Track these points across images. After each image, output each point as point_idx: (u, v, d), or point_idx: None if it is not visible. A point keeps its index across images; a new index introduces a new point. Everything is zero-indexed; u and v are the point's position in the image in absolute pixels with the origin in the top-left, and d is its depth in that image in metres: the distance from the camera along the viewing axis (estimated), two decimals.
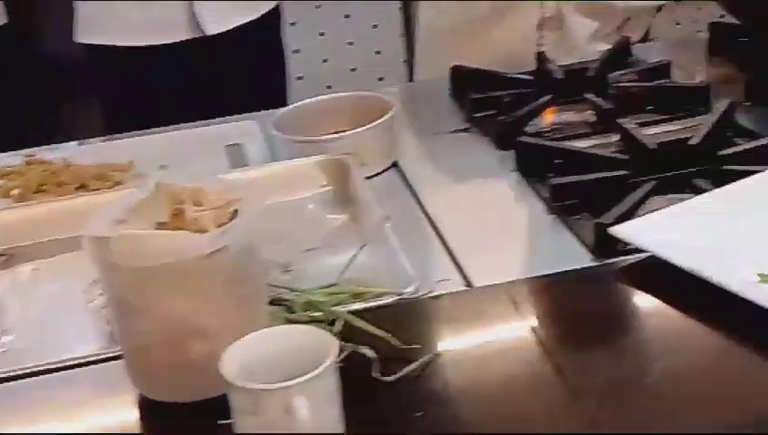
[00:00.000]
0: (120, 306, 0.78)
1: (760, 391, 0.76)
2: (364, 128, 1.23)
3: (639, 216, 1.00)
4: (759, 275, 0.82)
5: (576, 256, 0.98)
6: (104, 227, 0.76)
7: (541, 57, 1.44)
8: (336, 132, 1.25)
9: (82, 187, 1.26)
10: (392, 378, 0.79)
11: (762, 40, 1.39)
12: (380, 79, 2.90)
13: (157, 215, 0.79)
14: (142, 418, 0.81)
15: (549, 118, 1.33)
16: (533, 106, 1.31)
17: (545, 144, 1.21)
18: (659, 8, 1.75)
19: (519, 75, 1.43)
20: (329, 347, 0.71)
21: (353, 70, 3.00)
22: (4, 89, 2.03)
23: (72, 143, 1.38)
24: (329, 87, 2.69)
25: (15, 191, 1.25)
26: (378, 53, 2.98)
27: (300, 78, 2.88)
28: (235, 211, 0.78)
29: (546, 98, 1.33)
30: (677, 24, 2.83)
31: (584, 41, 1.67)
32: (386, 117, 1.24)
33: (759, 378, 0.77)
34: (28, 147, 1.36)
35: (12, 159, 1.33)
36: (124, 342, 0.80)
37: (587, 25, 1.67)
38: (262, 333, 0.73)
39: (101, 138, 1.41)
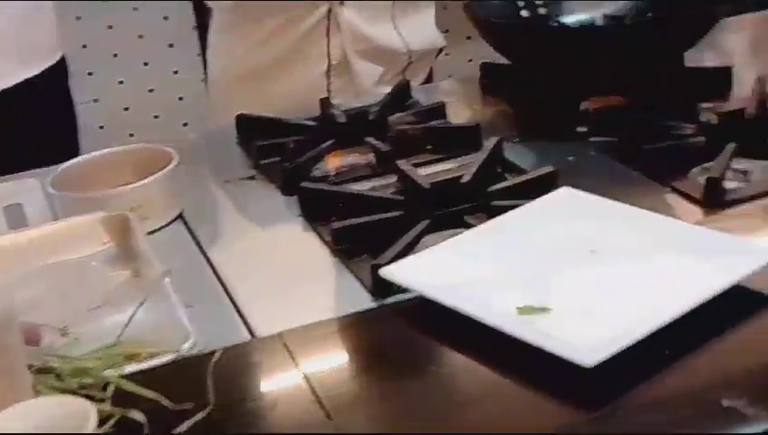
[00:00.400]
0: None
1: (522, 420, 0.80)
2: (145, 181, 1.21)
3: (415, 254, 1.03)
4: (517, 308, 0.87)
5: (358, 299, 1.01)
6: None
7: (324, 103, 1.47)
8: (120, 186, 1.24)
9: None
10: None
11: (528, 78, 1.48)
12: (185, 124, 2.88)
13: None
14: None
15: (333, 162, 1.35)
16: (316, 151, 1.34)
17: (326, 188, 1.23)
18: (440, 51, 1.83)
19: (303, 121, 1.45)
20: (87, 416, 0.69)
21: (156, 117, 2.96)
22: None
23: None
24: (131, 135, 2.65)
25: None
26: (180, 98, 2.96)
27: (101, 127, 2.83)
28: None
29: (329, 143, 1.36)
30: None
31: (371, 86, 1.72)
32: (167, 169, 1.23)
33: (520, 407, 0.81)
34: None
35: None
36: None
37: (372, 70, 1.72)
38: (17, 407, 0.71)
39: None
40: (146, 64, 2.91)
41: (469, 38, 1.79)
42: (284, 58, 1.69)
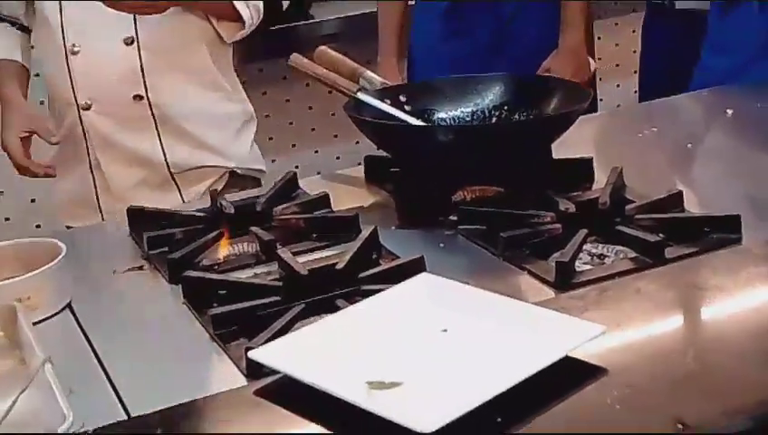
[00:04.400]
0: None
1: None
2: (33, 273, 1.27)
3: (283, 337, 1.10)
4: (368, 382, 0.95)
5: (233, 379, 1.07)
6: None
7: (213, 194, 1.55)
8: (5, 278, 1.28)
9: None
10: None
11: (406, 171, 1.58)
12: (38, 226, 2.82)
13: None
14: None
15: (222, 251, 1.43)
16: (202, 241, 1.41)
17: (207, 277, 1.30)
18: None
19: (193, 213, 1.53)
20: None
21: (7, 219, 2.93)
22: None
23: None
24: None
25: None
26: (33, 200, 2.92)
27: None
28: None
29: (215, 233, 1.43)
30: (338, 158, 3.11)
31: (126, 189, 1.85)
32: (57, 259, 1.29)
33: None
34: None
35: None
36: None
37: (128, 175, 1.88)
38: None
39: None
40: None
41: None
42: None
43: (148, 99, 1.74)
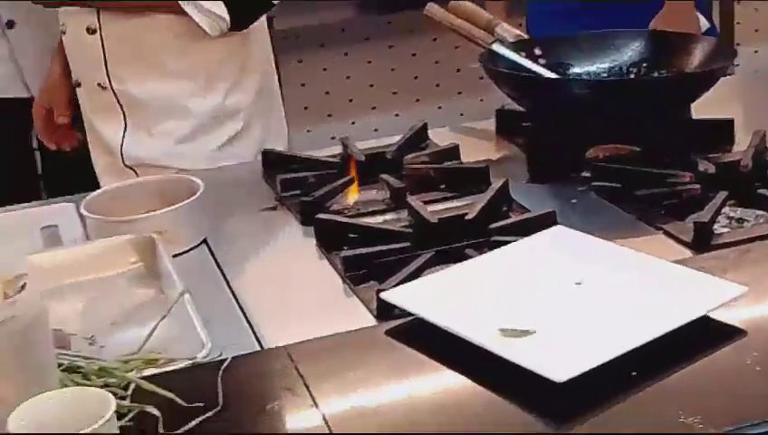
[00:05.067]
0: None
1: (499, 426, 0.87)
2: (172, 208, 1.31)
3: (414, 281, 1.11)
4: (500, 329, 0.95)
5: (362, 320, 1.09)
6: None
7: (344, 141, 1.56)
8: (147, 212, 1.33)
9: None
10: (176, 433, 0.87)
11: (539, 125, 1.56)
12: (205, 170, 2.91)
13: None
14: None
15: (352, 196, 1.44)
16: (335, 185, 1.43)
17: (339, 220, 1.32)
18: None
19: (325, 158, 1.55)
20: (107, 406, 0.78)
21: None
22: None
23: None
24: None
25: None
26: None
27: None
28: (24, 284, 0.84)
29: (346, 178, 1.45)
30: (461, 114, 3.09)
31: None
32: (193, 197, 1.33)
33: (499, 418, 0.89)
34: None
35: None
36: None
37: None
38: (45, 395, 0.80)
39: None
40: None
41: None
42: None
43: (112, 88, 1.67)
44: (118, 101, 1.67)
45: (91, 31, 1.65)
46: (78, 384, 0.91)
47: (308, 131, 3.13)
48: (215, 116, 1.69)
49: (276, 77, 1.84)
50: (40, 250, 1.32)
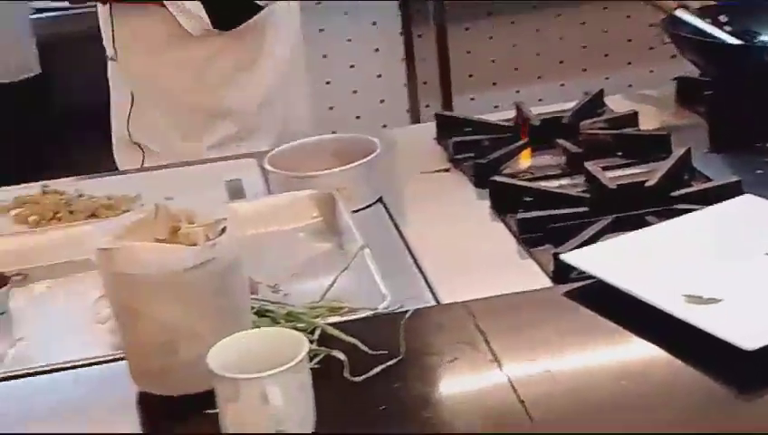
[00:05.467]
0: (123, 311, 0.89)
1: (682, 393, 0.86)
2: (351, 165, 1.34)
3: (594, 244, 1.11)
4: (685, 295, 0.93)
5: (538, 281, 1.09)
6: (110, 240, 0.88)
7: (519, 106, 1.56)
8: (325, 169, 1.37)
9: (93, 215, 1.37)
10: (360, 378, 0.90)
11: (723, 93, 1.51)
12: (384, 126, 3.02)
13: (155, 232, 0.90)
14: (141, 410, 0.91)
15: (525, 161, 1.44)
16: (509, 149, 1.43)
17: (516, 183, 1.32)
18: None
19: (499, 122, 1.55)
20: (301, 346, 0.81)
21: (358, 117, 3.13)
22: (28, 128, 2.19)
23: (85, 176, 1.50)
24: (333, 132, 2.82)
25: (32, 218, 1.37)
26: (382, 101, 3.12)
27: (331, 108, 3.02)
28: (224, 229, 0.89)
29: (522, 142, 1.45)
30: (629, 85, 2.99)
31: None
32: (371, 156, 1.36)
33: (684, 386, 0.87)
34: (45, 178, 1.48)
35: (29, 189, 1.45)
36: (125, 343, 0.91)
37: None
38: (242, 334, 0.84)
39: (112, 172, 1.53)
40: (352, 67, 3.09)
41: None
42: None
43: (118, 61, 1.67)
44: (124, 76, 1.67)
45: (103, 1, 1.65)
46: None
47: (472, 99, 3.13)
48: (207, 113, 1.65)
49: (300, 65, 1.77)
50: (225, 202, 1.38)
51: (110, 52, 1.69)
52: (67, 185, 1.46)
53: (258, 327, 0.92)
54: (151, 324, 0.86)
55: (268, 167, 1.38)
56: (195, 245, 0.87)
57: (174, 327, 0.86)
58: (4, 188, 1.48)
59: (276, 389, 0.78)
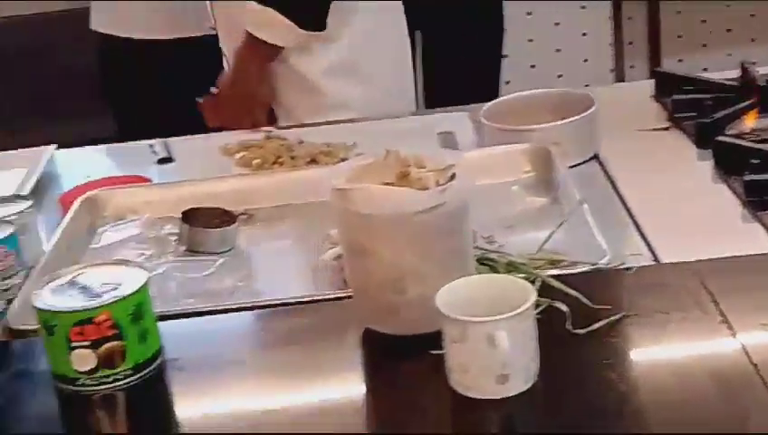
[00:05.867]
0: (353, 249, 0.92)
1: None
2: (568, 120, 1.33)
3: None
4: None
5: (763, 246, 1.05)
6: (344, 181, 0.91)
7: (744, 65, 1.49)
8: (540, 124, 1.36)
9: (313, 161, 1.43)
10: (583, 331, 0.90)
11: None
12: (586, 85, 2.97)
13: (384, 175, 0.93)
14: (364, 347, 0.95)
15: (749, 122, 1.38)
16: (735, 109, 1.37)
17: (743, 144, 1.27)
18: None
19: (722, 81, 1.48)
20: (528, 294, 0.82)
21: (560, 76, 3.08)
22: None
23: (305, 125, 1.56)
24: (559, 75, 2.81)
25: (256, 161, 1.44)
26: (585, 60, 3.06)
27: (507, 83, 3.00)
28: (453, 175, 0.90)
29: (748, 102, 1.38)
30: None
31: None
32: (588, 112, 1.34)
33: None
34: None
35: (253, 134, 1.52)
36: (354, 281, 0.94)
37: None
38: (469, 278, 0.85)
39: (329, 121, 1.58)
40: (557, 24, 3.04)
41: None
42: None
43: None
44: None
45: None
46: None
47: (680, 61, 3.02)
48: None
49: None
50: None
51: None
52: (288, 132, 1.52)
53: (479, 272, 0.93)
54: (381, 263, 0.89)
55: (484, 120, 1.38)
56: (425, 189, 0.88)
57: (403, 267, 0.89)
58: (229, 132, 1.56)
59: (504, 333, 0.79)
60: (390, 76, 1.67)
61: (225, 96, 1.62)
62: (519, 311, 0.80)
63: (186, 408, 0.92)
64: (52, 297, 0.91)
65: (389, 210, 0.87)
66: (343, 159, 1.42)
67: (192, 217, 1.22)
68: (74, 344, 0.89)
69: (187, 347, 0.98)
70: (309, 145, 1.46)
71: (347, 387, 0.92)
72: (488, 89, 2.08)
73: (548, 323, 0.90)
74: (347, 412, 0.88)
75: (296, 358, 0.96)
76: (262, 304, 1.05)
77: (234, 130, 1.57)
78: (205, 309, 1.05)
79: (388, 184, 0.92)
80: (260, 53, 1.56)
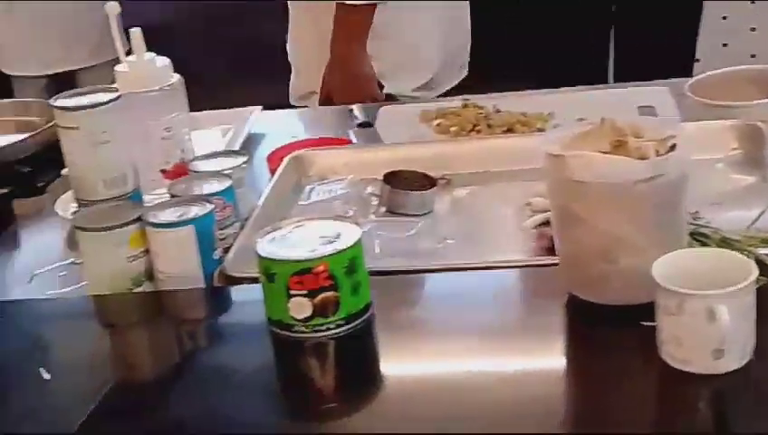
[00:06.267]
0: (564, 216, 0.92)
1: None
2: None
3: None
4: None
5: None
6: (558, 148, 0.91)
7: None
8: (745, 101, 1.31)
9: (509, 130, 1.43)
10: None
11: None
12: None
13: (599, 144, 0.92)
14: (569, 314, 0.95)
15: None
16: None
17: None
18: None
19: None
20: (748, 270, 0.80)
21: (753, 56, 2.94)
22: None
23: (503, 94, 1.56)
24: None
25: (453, 128, 1.46)
26: None
27: (697, 61, 2.90)
28: (674, 145, 0.89)
29: None
30: None
31: None
32: None
33: None
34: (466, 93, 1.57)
35: (451, 102, 1.54)
36: (563, 247, 0.94)
37: None
38: (688, 250, 0.84)
39: (527, 90, 1.58)
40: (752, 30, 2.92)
41: None
42: None
43: None
44: None
45: None
46: None
47: None
48: None
49: None
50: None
51: None
52: (485, 100, 1.53)
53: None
54: (594, 232, 0.89)
55: (689, 94, 1.35)
56: (644, 158, 0.88)
57: (616, 236, 0.88)
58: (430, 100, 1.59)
59: (724, 307, 0.78)
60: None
61: (333, 86, 1.71)
62: (741, 286, 0.79)
63: (390, 363, 0.95)
64: (273, 247, 0.96)
65: (608, 178, 0.87)
66: (540, 130, 1.42)
67: (393, 179, 1.26)
68: (293, 293, 0.93)
69: (392, 304, 1.01)
70: (506, 114, 1.47)
71: (551, 353, 0.93)
72: (681, 65, 2.02)
73: (759, 303, 0.87)
74: (550, 379, 0.89)
75: (498, 321, 0.98)
76: (464, 266, 1.07)
77: None
78: (410, 268, 1.08)
79: (603, 153, 0.92)
80: (351, 27, 1.63)
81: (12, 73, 2.62)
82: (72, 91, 1.13)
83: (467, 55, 1.85)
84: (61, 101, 1.12)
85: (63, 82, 2.62)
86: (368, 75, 1.70)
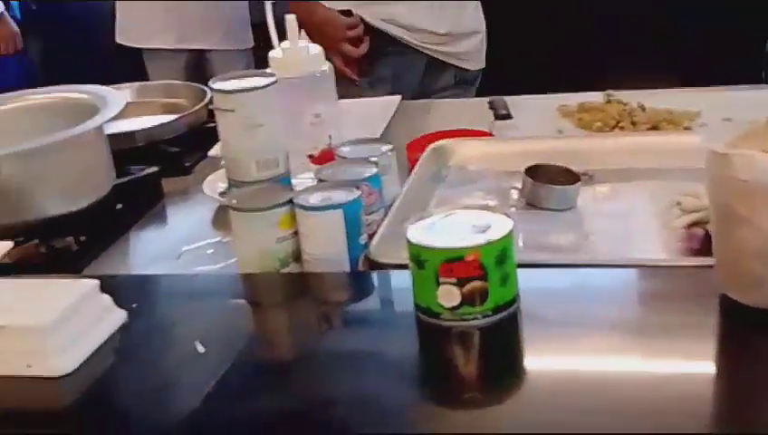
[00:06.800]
0: (725, 215, 0.90)
1: None
2: None
3: None
4: None
5: None
6: (722, 145, 0.89)
7: None
8: None
9: (654, 127, 1.41)
10: None
11: None
12: None
13: (764, 143, 0.90)
14: (721, 316, 0.93)
15: None
16: None
17: None
18: None
19: None
20: None
21: None
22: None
23: (647, 90, 1.54)
24: None
25: (596, 124, 1.44)
26: None
27: None
28: None
29: None
30: None
31: None
32: None
33: None
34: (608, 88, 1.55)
35: (594, 97, 1.53)
36: (721, 246, 0.92)
37: None
38: None
39: (675, 88, 1.55)
40: None
41: None
42: None
43: None
44: None
45: None
46: None
47: None
48: None
49: None
50: None
51: None
52: (629, 96, 1.50)
53: None
54: (758, 232, 0.87)
55: None
56: None
57: None
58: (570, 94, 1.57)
59: None
60: None
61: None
62: None
63: (534, 356, 0.95)
64: (423, 233, 0.96)
65: None
66: (686, 128, 1.40)
67: (535, 172, 1.25)
68: (442, 280, 0.94)
69: (537, 297, 1.01)
70: (651, 111, 1.44)
71: (699, 354, 0.91)
72: None
73: None
74: (697, 380, 0.87)
75: (646, 320, 0.96)
76: (612, 263, 1.06)
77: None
78: (556, 262, 1.07)
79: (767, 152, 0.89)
80: None
81: (142, 47, 2.71)
82: (228, 74, 1.17)
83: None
84: (219, 84, 1.15)
85: (196, 60, 2.71)
86: (322, 20, 1.83)
